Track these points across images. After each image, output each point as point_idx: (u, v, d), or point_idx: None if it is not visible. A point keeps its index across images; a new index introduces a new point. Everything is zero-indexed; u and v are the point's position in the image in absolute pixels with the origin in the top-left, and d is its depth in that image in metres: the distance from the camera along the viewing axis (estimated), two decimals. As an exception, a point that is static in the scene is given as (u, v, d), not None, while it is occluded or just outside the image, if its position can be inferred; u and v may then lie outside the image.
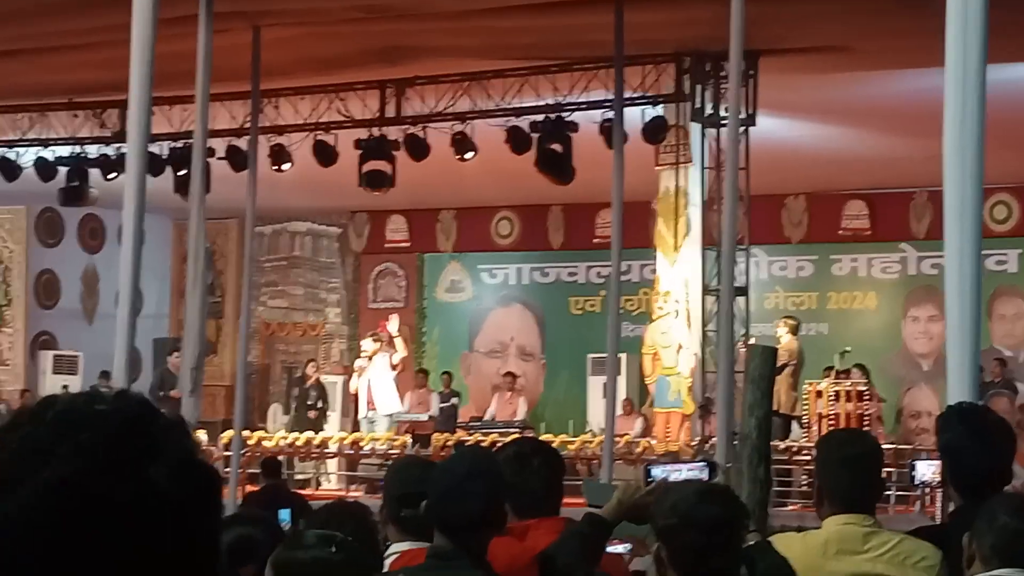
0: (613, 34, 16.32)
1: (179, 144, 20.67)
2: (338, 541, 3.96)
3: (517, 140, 18.97)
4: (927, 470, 6.78)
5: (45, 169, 22.34)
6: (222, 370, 28.37)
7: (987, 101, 6.94)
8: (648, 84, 18.48)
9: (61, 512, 1.46)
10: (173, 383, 21.52)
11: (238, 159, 20.01)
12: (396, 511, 5.02)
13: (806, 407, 20.70)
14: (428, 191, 24.32)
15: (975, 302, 6.90)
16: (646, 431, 21.32)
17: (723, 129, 17.34)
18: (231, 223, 28.28)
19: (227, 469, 17.57)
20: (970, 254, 6.89)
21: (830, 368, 21.35)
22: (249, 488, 17.70)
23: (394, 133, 20.14)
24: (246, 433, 20.11)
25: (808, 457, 17.90)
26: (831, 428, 18.38)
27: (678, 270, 19.43)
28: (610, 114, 17.63)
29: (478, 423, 23.57)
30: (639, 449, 19.73)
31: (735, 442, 10.84)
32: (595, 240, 26.06)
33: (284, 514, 8.63)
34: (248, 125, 18.93)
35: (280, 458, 19.42)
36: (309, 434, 22.49)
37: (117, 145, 20.90)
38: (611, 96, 17.54)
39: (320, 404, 24.30)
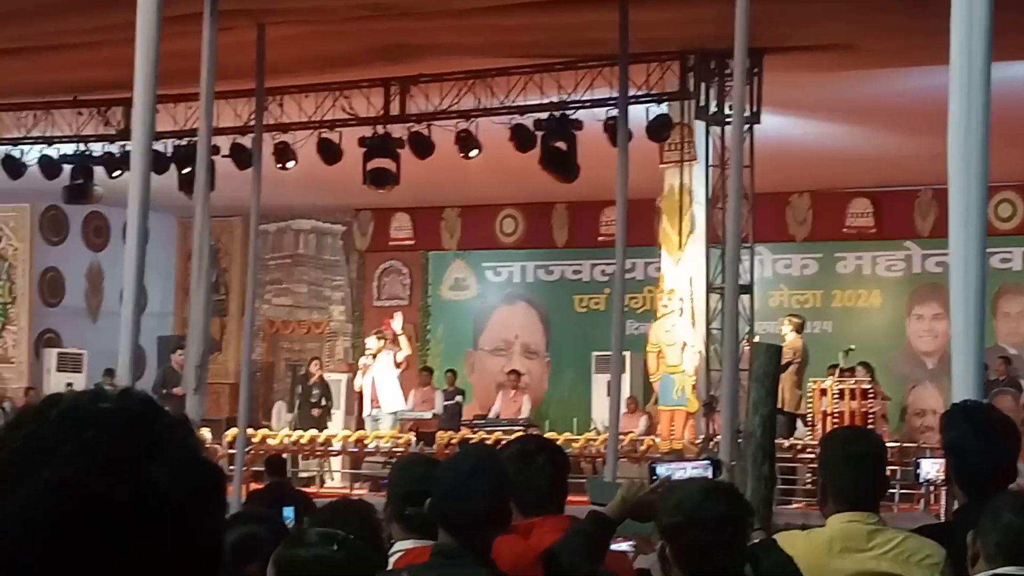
0: (618, 32, 16.32)
1: (183, 142, 20.67)
2: (340, 539, 3.95)
3: (521, 138, 18.96)
4: (931, 468, 6.77)
5: (49, 167, 22.35)
6: (226, 368, 28.40)
7: (992, 99, 6.93)
8: (653, 82, 18.46)
9: (63, 511, 1.46)
10: (176, 381, 21.57)
11: (242, 157, 20.02)
12: (400, 509, 5.02)
13: (810, 405, 20.70)
14: (432, 189, 24.32)
15: (979, 300, 6.90)
16: (650, 429, 21.32)
17: (727, 127, 17.35)
18: (235, 221, 28.30)
19: (231, 467, 17.58)
20: (975, 252, 6.88)
21: (834, 366, 21.34)
22: (253, 486, 17.69)
23: (398, 131, 20.13)
24: (250, 431, 20.11)
25: (812, 455, 17.89)
26: (835, 426, 18.36)
27: (682, 268, 19.43)
28: (614, 112, 17.62)
29: (482, 421, 23.59)
30: (643, 447, 19.73)
31: (739, 440, 10.83)
32: (599, 238, 26.07)
33: (288, 512, 8.62)
34: (252, 123, 18.92)
35: (284, 456, 19.41)
36: (313, 432, 22.50)
37: (121, 143, 20.94)
38: (615, 94, 17.55)
39: (324, 402, 24.31)
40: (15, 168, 22.64)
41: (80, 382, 26.21)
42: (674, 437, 19.50)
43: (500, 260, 28.41)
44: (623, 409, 19.42)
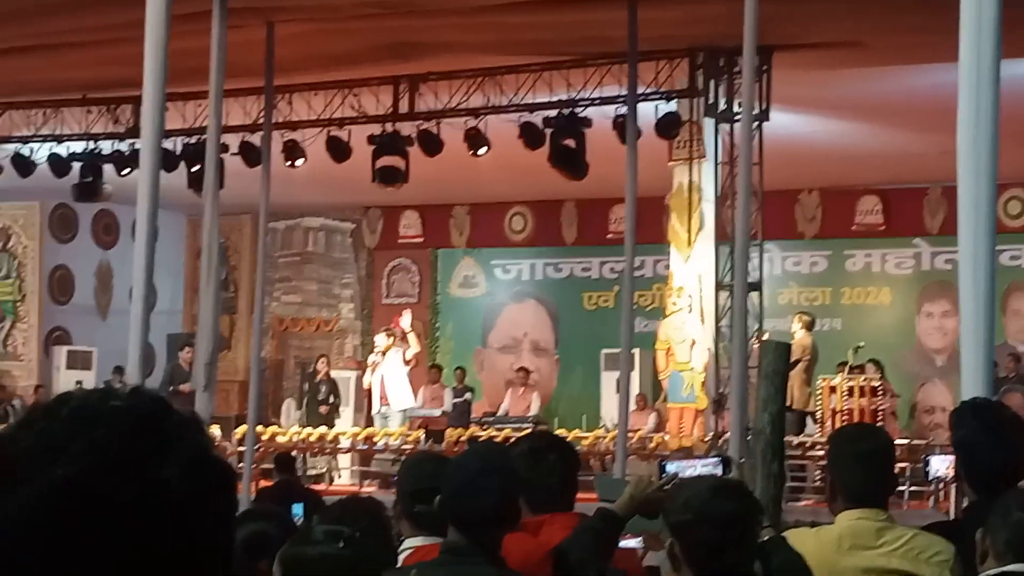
0: (627, 30, 16.30)
1: (193, 140, 20.71)
2: (346, 537, 3.93)
3: (530, 136, 18.96)
4: (941, 465, 6.77)
5: (59, 165, 22.37)
6: (236, 365, 28.41)
7: (1001, 97, 6.93)
8: (662, 79, 18.45)
9: (73, 509, 1.46)
10: (183, 378, 21.60)
11: (252, 155, 20.03)
12: (410, 506, 5.03)
13: (819, 402, 20.69)
14: (441, 187, 24.33)
15: (989, 297, 6.90)
16: (659, 426, 21.33)
17: (736, 124, 17.32)
18: (245, 219, 28.31)
19: (240, 464, 17.60)
20: (984, 249, 6.88)
21: (844, 363, 21.30)
22: (262, 483, 17.71)
23: (407, 129, 20.14)
24: (259, 428, 20.13)
25: (821, 452, 17.88)
26: (844, 423, 18.34)
27: (691, 265, 19.43)
28: (623, 109, 17.62)
29: (491, 418, 23.58)
30: (652, 444, 19.75)
31: (749, 437, 10.83)
32: (608, 235, 26.04)
33: (297, 509, 8.63)
34: (262, 121, 18.95)
35: (293, 453, 19.43)
36: (323, 429, 22.51)
37: (131, 141, 20.94)
38: (624, 92, 17.53)
39: (332, 399, 24.31)
40: (25, 166, 22.66)
41: (89, 380, 26.26)
42: (683, 434, 19.50)
43: (509, 258, 28.41)
44: (632, 406, 19.39)
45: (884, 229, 25.27)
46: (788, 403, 11.36)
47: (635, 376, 20.66)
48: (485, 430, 21.59)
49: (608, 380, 23.05)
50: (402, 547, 4.96)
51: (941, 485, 16.58)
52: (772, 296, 22.60)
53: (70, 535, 1.46)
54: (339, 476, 23.51)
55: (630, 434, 18.35)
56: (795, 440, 18.84)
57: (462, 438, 20.72)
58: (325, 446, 22.47)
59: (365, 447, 22.40)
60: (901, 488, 18.09)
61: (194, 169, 20.36)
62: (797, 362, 19.42)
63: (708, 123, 18.66)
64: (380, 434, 22.24)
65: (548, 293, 28.07)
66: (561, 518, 5.00)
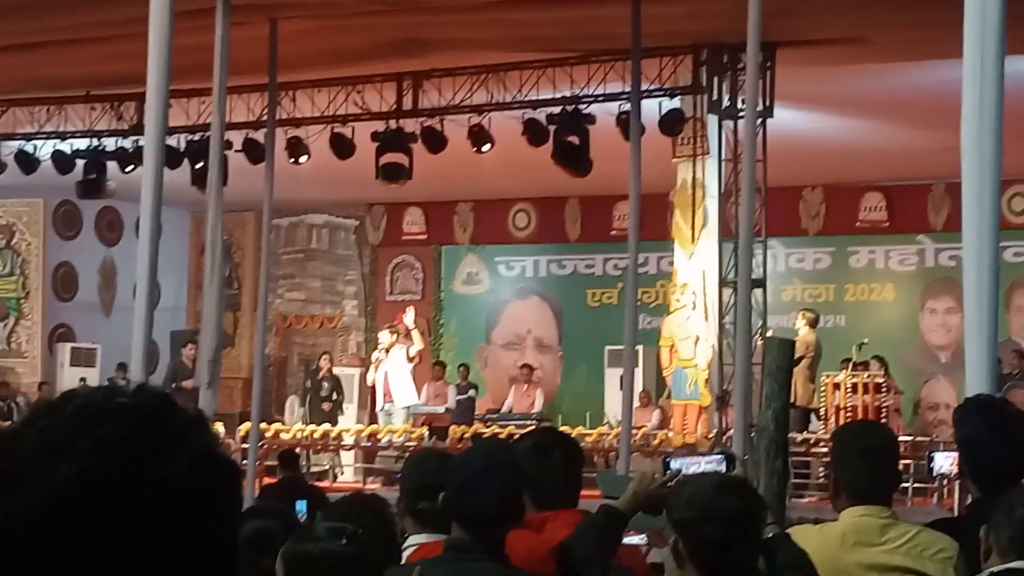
0: (630, 26, 16.31)
1: (196, 137, 20.72)
2: (348, 533, 3.92)
3: (534, 132, 18.96)
4: (945, 462, 6.75)
5: (63, 162, 22.38)
6: (239, 362, 28.42)
7: (1005, 93, 6.93)
8: (665, 76, 18.44)
9: (78, 506, 1.46)
10: (186, 375, 21.60)
11: (255, 152, 20.03)
12: (413, 503, 5.03)
13: (823, 399, 20.68)
14: (445, 183, 24.33)
15: (993, 294, 6.89)
16: (663, 423, 21.33)
17: (740, 121, 17.32)
18: (248, 216, 28.32)
19: (244, 461, 17.60)
20: (988, 246, 6.88)
21: (848, 360, 21.31)
22: (266, 480, 17.71)
23: (411, 125, 20.14)
24: (263, 425, 20.14)
25: (825, 449, 17.87)
26: (848, 420, 18.33)
27: (695, 262, 19.43)
28: (627, 106, 17.62)
29: (495, 415, 23.59)
30: (656, 441, 19.74)
31: (752, 434, 10.83)
32: (612, 232, 26.06)
33: (301, 506, 8.63)
34: (265, 118, 18.95)
35: (297, 450, 19.43)
36: (326, 426, 22.51)
37: (134, 138, 20.96)
38: (628, 88, 17.53)
39: (335, 396, 24.30)
40: (28, 163, 22.66)
41: (93, 377, 26.26)
42: (687, 431, 19.51)
43: (513, 254, 28.40)
44: (636, 403, 19.41)
45: (888, 225, 25.27)
46: (792, 400, 11.36)
47: (639, 373, 20.66)
48: (489, 427, 21.58)
49: (612, 377, 23.05)
50: (406, 544, 4.96)
51: (945, 482, 16.56)
52: (776, 293, 22.59)
53: (75, 532, 1.46)
54: (342, 473, 23.50)
55: (634, 431, 18.35)
56: (799, 437, 18.83)
57: (466, 435, 20.70)
58: (329, 443, 22.46)
59: (369, 444, 22.39)
60: (905, 485, 18.08)
61: (198, 166, 20.37)
62: (801, 359, 19.39)
63: (712, 119, 18.64)
64: (384, 431, 22.24)
65: (552, 290, 28.07)
66: (565, 515, 5.00)
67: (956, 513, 13.01)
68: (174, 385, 21.58)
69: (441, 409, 23.42)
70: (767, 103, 17.58)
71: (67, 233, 29.17)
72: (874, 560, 4.84)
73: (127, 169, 21.50)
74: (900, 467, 5.39)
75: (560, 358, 27.66)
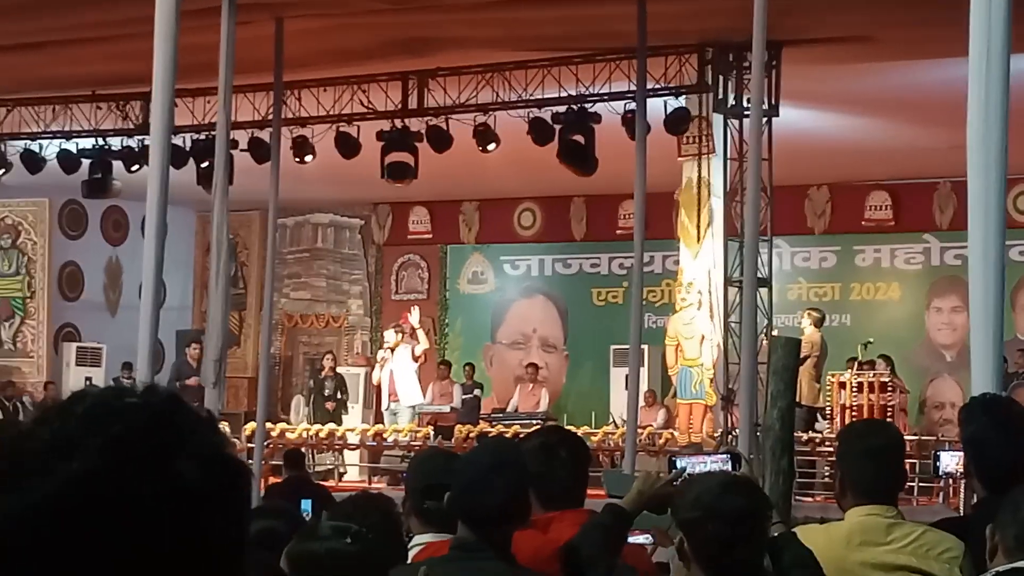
0: (636, 25, 16.31)
1: (202, 136, 20.72)
2: (353, 532, 3.90)
3: (539, 131, 18.97)
4: (951, 461, 6.76)
5: (68, 161, 22.40)
6: (245, 362, 28.44)
7: (1011, 91, 6.91)
8: (671, 75, 18.44)
9: (87, 504, 1.46)
10: (190, 374, 21.60)
11: (261, 151, 20.03)
12: (419, 503, 5.03)
13: (829, 398, 20.67)
14: (450, 183, 24.34)
15: (999, 293, 6.88)
16: (669, 422, 21.33)
17: (746, 120, 17.33)
18: (254, 215, 28.29)
19: (250, 461, 17.60)
20: (994, 244, 6.87)
21: (853, 359, 21.30)
22: (272, 480, 17.73)
23: (416, 125, 20.15)
24: (269, 425, 20.14)
25: (831, 448, 17.86)
26: (854, 419, 18.33)
27: (701, 261, 19.43)
28: (632, 105, 17.61)
29: (501, 415, 23.58)
30: (661, 440, 19.74)
31: (758, 433, 10.83)
32: (618, 231, 26.06)
33: (306, 505, 8.65)
34: (271, 117, 18.95)
35: (303, 450, 19.43)
36: (332, 426, 22.51)
37: (140, 137, 20.97)
38: (633, 87, 17.52)
39: (339, 395, 24.30)
40: (34, 162, 22.67)
41: (99, 376, 26.29)
42: (692, 430, 19.51)
43: (518, 253, 28.41)
44: (641, 402, 19.38)
45: (893, 224, 25.26)
46: (797, 399, 11.37)
47: (644, 372, 20.65)
48: (494, 426, 21.58)
49: (617, 376, 23.05)
50: (412, 543, 4.96)
51: (950, 481, 16.55)
52: (781, 292, 22.60)
53: (85, 530, 1.46)
54: (346, 472, 23.51)
55: (639, 430, 18.34)
56: (804, 436, 18.82)
57: (471, 434, 20.71)
58: (334, 442, 22.46)
59: (374, 443, 22.39)
60: (910, 484, 18.11)
61: (203, 165, 20.38)
62: (806, 358, 19.40)
63: (717, 118, 18.65)
64: (389, 430, 22.24)
65: (557, 289, 28.07)
66: (571, 515, 5.00)
67: (962, 512, 13.03)
68: (178, 384, 21.59)
69: (446, 408, 23.43)
70: (773, 102, 17.59)
71: (73, 232, 29.19)
72: (880, 559, 4.84)
73: (133, 168, 21.50)
74: (906, 466, 5.38)
75: (566, 357, 27.66)
